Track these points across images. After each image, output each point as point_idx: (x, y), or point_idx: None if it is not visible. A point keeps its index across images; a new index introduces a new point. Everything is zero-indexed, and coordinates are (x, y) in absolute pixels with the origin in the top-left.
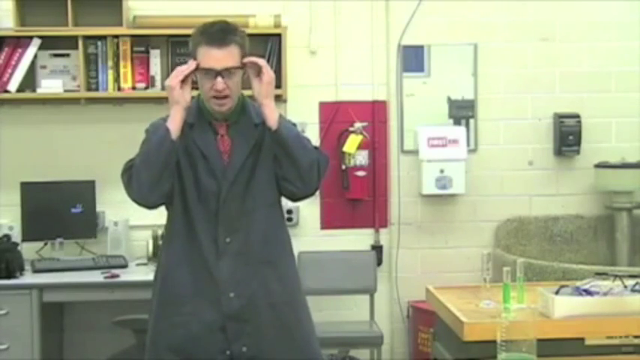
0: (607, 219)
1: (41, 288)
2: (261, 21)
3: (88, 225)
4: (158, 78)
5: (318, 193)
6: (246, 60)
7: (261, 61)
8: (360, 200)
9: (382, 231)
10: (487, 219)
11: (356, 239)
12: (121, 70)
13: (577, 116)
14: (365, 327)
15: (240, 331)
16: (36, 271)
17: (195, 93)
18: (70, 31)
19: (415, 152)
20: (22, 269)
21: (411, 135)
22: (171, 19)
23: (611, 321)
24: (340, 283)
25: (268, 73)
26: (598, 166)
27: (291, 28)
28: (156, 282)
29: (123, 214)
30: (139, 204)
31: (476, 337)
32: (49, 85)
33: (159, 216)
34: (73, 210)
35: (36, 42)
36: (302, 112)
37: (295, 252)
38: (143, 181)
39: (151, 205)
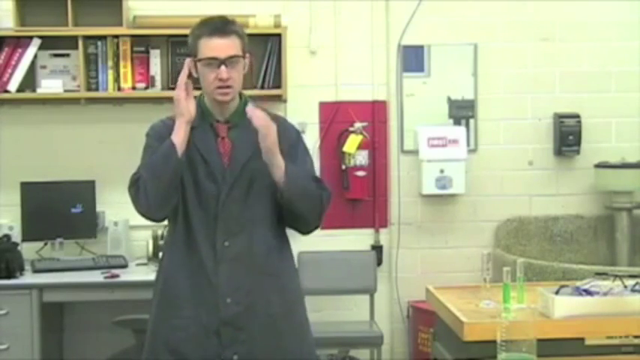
0: (607, 219)
1: (41, 288)
2: (261, 21)
3: (88, 225)
4: (158, 78)
5: None
6: (251, 117)
7: (262, 121)
8: (360, 200)
9: (382, 231)
10: (487, 219)
11: (356, 239)
12: (121, 70)
13: (577, 116)
14: (365, 327)
15: (234, 337)
16: (36, 271)
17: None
18: (70, 31)
19: (415, 152)
20: (22, 269)
21: (411, 135)
22: (171, 19)
23: (611, 321)
24: (340, 283)
25: (272, 135)
26: (598, 166)
27: (291, 28)
28: (157, 285)
29: (123, 214)
30: (147, 218)
31: (476, 337)
32: (49, 85)
33: None
34: (73, 210)
35: (36, 42)
36: (302, 112)
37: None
38: (151, 197)
39: (159, 219)
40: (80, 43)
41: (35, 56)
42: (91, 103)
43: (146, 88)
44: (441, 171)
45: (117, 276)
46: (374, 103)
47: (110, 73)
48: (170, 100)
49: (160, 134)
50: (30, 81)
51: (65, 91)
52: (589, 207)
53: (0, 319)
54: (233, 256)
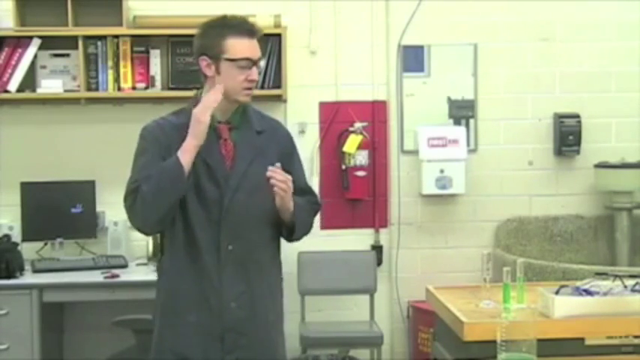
0: (607, 219)
1: (41, 288)
2: (261, 21)
3: (88, 225)
4: (158, 78)
5: (317, 193)
6: (272, 178)
7: (282, 185)
8: (360, 200)
9: (382, 231)
10: (487, 219)
11: (356, 239)
12: (121, 70)
13: (577, 116)
14: (365, 327)
15: (236, 343)
16: (36, 271)
17: (180, 94)
18: (70, 31)
19: (415, 152)
20: (22, 269)
21: (411, 135)
22: (171, 19)
23: (611, 321)
24: (340, 283)
25: (289, 194)
26: (598, 166)
27: (291, 28)
28: (160, 289)
29: (123, 214)
30: (139, 231)
31: (476, 337)
32: (49, 85)
33: None
34: (73, 210)
35: (36, 42)
36: (302, 112)
37: (295, 252)
38: (149, 214)
39: (152, 234)
40: (80, 43)
41: (35, 56)
42: (91, 103)
43: (146, 88)
44: (441, 171)
45: (117, 276)
46: (374, 103)
47: (110, 73)
48: (170, 100)
49: (155, 137)
50: (30, 81)
51: (65, 91)
52: (589, 207)
53: (0, 319)
54: (237, 260)
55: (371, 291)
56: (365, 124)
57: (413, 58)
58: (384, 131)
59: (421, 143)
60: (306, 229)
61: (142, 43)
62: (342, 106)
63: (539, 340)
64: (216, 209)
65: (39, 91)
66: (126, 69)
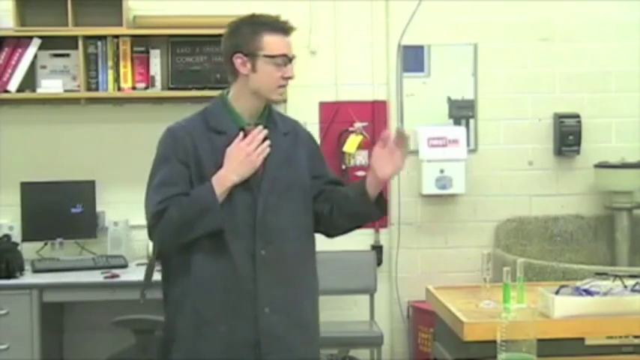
0: (607, 219)
1: (41, 288)
2: None
3: (88, 225)
4: (158, 78)
5: None
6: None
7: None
8: None
9: (382, 231)
10: (487, 219)
11: (356, 239)
12: (121, 70)
13: (577, 116)
14: (365, 327)
15: (273, 347)
16: (36, 271)
17: (180, 94)
18: (70, 31)
19: (415, 152)
20: (22, 269)
21: (411, 135)
22: (171, 19)
23: (611, 321)
24: (340, 283)
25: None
26: (598, 166)
27: None
28: (182, 298)
29: (123, 214)
30: (159, 248)
31: (476, 337)
32: (49, 85)
33: None
34: (73, 210)
35: (36, 42)
36: (302, 112)
37: None
38: (171, 242)
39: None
40: (80, 43)
41: (35, 56)
42: (91, 103)
43: (146, 88)
44: (441, 171)
45: (117, 276)
46: (374, 103)
47: (110, 73)
48: (170, 100)
49: (177, 141)
50: (30, 81)
51: (65, 91)
52: (589, 207)
53: (0, 319)
54: (270, 264)
55: (371, 291)
56: (365, 124)
57: (413, 58)
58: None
59: (421, 143)
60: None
61: (142, 43)
62: (342, 106)
63: (539, 340)
64: (249, 214)
65: (39, 91)
66: (126, 69)
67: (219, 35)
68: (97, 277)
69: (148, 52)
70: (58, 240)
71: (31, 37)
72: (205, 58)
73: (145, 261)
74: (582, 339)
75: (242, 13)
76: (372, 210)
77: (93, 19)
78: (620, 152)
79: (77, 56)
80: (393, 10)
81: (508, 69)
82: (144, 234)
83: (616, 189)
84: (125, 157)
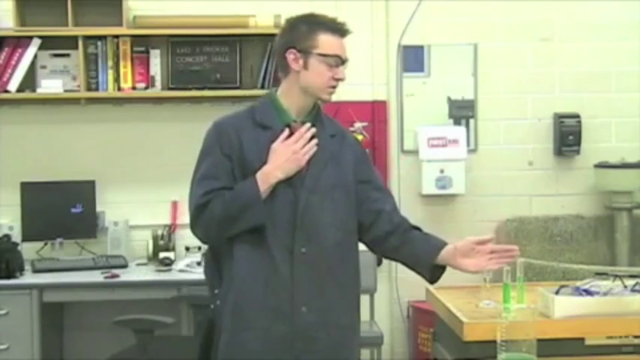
0: (607, 219)
1: (41, 288)
2: (261, 21)
3: (88, 225)
4: (158, 78)
5: None
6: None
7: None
8: None
9: None
10: (487, 219)
11: None
12: (121, 70)
13: (577, 116)
14: (365, 327)
15: (308, 347)
16: (36, 271)
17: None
18: (70, 31)
19: (415, 152)
20: (22, 269)
21: (411, 135)
22: (171, 19)
23: (611, 321)
24: None
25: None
26: (598, 166)
27: None
28: (227, 292)
29: (123, 214)
30: (200, 240)
31: (476, 337)
32: (49, 85)
33: (159, 216)
34: (73, 210)
35: (36, 42)
36: None
37: None
38: (215, 233)
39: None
40: (80, 43)
41: (35, 56)
42: (91, 103)
43: (146, 88)
44: (441, 171)
45: (117, 276)
46: (374, 103)
47: (110, 73)
48: (170, 100)
49: (222, 135)
50: (30, 81)
51: (65, 91)
52: (589, 207)
53: (0, 319)
54: (309, 263)
55: (371, 291)
56: (365, 124)
57: (413, 58)
58: (384, 131)
59: (421, 143)
60: None
61: (142, 43)
62: (342, 106)
63: (539, 340)
64: (291, 211)
65: (39, 91)
66: (126, 69)
67: (220, 35)
68: (97, 277)
69: (147, 52)
70: (58, 240)
71: (31, 37)
72: (205, 58)
73: (145, 261)
74: (582, 339)
75: (242, 13)
76: (425, 276)
77: (93, 19)
78: (620, 152)
79: (77, 56)
80: (393, 10)
81: (508, 69)
82: (144, 234)
83: (616, 189)
84: (125, 157)
